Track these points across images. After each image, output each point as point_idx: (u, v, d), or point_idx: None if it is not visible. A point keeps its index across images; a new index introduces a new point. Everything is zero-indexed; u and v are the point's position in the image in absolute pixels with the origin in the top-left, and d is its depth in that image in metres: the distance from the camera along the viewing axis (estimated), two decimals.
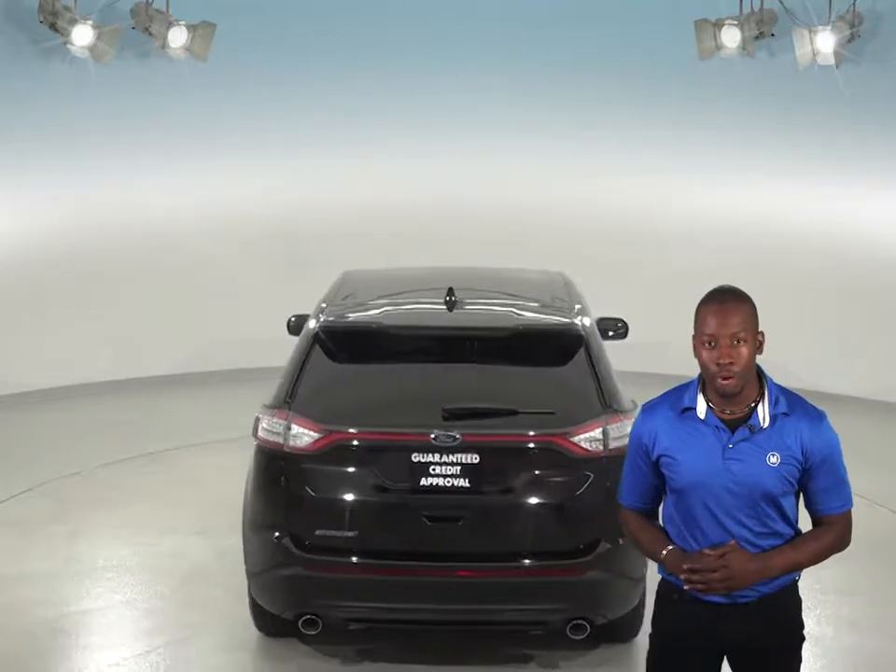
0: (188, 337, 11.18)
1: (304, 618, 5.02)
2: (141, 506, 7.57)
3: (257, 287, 11.20)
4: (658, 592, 3.41)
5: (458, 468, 4.91)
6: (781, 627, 3.28)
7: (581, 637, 5.03)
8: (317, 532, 4.99)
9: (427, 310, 5.77)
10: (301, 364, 5.28)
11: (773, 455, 3.16)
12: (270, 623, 5.33)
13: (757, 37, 10.34)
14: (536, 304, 5.79)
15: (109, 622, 5.93)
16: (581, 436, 4.97)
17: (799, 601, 3.35)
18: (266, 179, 11.47)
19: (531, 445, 5.00)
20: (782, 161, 11.06)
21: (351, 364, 5.44)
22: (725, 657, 3.37)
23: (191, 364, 11.05)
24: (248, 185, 11.45)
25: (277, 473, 5.08)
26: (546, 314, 5.67)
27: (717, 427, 3.19)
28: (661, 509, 3.43)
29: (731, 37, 10.36)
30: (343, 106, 11.54)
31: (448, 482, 4.91)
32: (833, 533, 3.26)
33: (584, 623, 4.98)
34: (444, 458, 4.91)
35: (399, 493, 4.98)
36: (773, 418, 3.18)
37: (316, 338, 5.35)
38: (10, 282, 10.42)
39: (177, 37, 10.41)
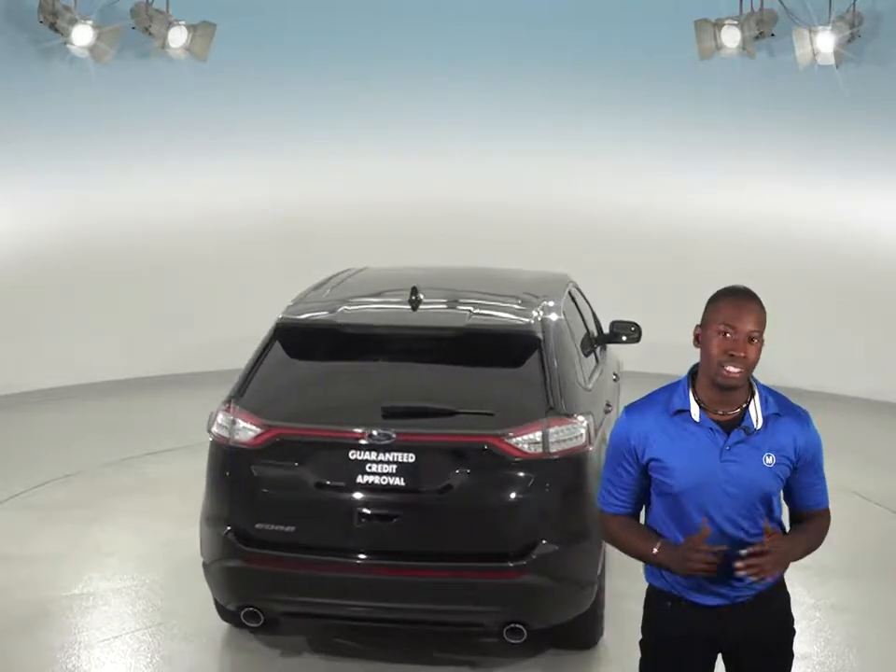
0: (188, 337, 11.19)
1: (245, 610, 5.04)
2: (144, 500, 7.64)
3: (257, 287, 11.19)
4: (647, 599, 3.39)
5: (394, 466, 4.87)
6: (776, 622, 3.31)
7: (517, 641, 4.92)
8: (258, 526, 5.01)
9: (388, 309, 5.80)
10: (255, 360, 5.35)
11: (769, 455, 3.17)
12: (230, 613, 5.32)
13: (757, 37, 10.35)
14: (504, 305, 5.71)
15: (90, 606, 5.99)
16: (519, 438, 4.88)
17: (787, 596, 3.38)
18: (266, 179, 11.48)
19: (467, 446, 4.93)
20: (782, 161, 11.07)
21: (302, 361, 5.44)
22: (721, 656, 3.38)
23: (192, 364, 11.06)
24: (248, 185, 11.46)
25: (224, 467, 5.13)
26: (507, 314, 5.57)
27: (711, 429, 3.18)
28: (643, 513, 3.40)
29: (731, 37, 10.37)
30: (343, 106, 11.55)
31: (384, 480, 4.88)
32: (822, 526, 3.34)
33: (521, 627, 4.88)
34: (380, 457, 4.88)
35: (336, 490, 4.96)
36: (765, 419, 3.19)
37: (273, 335, 5.42)
38: (10, 282, 10.42)
39: (177, 37, 10.42)
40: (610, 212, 11.57)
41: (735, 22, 10.38)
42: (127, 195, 10.99)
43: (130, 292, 11.04)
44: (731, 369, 3.10)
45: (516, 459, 4.87)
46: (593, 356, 6.47)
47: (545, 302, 5.81)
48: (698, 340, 3.20)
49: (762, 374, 3.27)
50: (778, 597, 3.33)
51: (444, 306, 5.73)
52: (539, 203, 11.65)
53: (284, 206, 11.60)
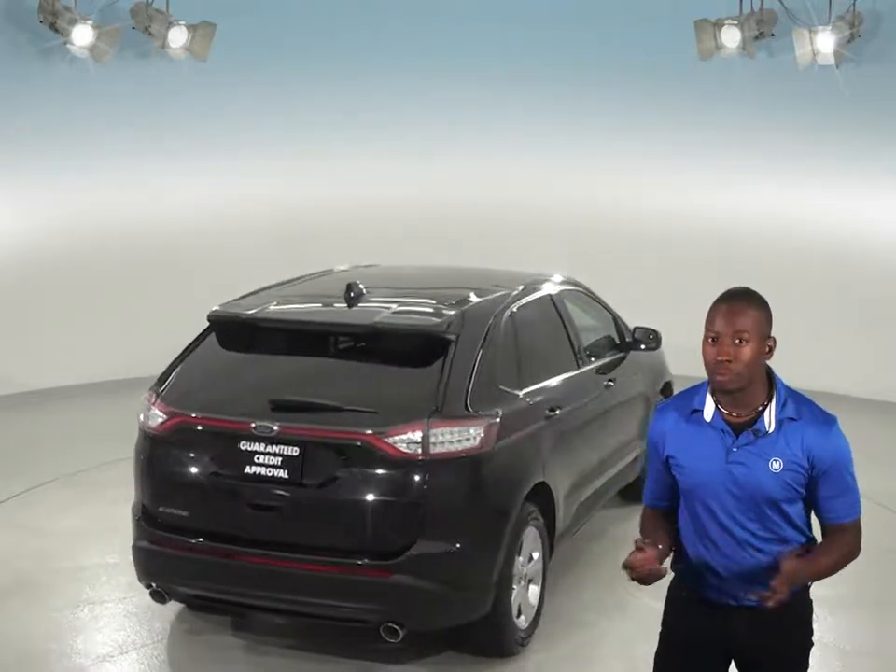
0: (188, 336, 11.14)
1: (151, 589, 5.27)
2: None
3: (258, 287, 11.17)
4: (669, 589, 3.41)
5: (279, 458, 4.96)
6: (789, 631, 3.25)
7: (394, 641, 4.91)
8: (160, 509, 5.21)
9: (310, 307, 5.90)
10: (184, 351, 5.60)
11: (775, 461, 3.12)
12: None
13: (757, 37, 10.36)
14: (434, 304, 5.67)
15: (72, 577, 6.23)
16: (397, 437, 4.85)
17: (809, 606, 3.32)
18: (266, 179, 11.48)
19: (346, 442, 4.93)
20: (782, 161, 11.07)
21: (220, 353, 5.58)
22: (733, 660, 3.36)
23: None
24: (248, 184, 11.47)
25: (139, 451, 5.38)
26: (428, 314, 5.50)
27: (722, 430, 3.17)
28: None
29: (731, 37, 10.38)
30: (343, 106, 11.56)
31: (269, 472, 4.97)
32: (844, 542, 3.20)
33: (396, 627, 4.88)
34: (267, 448, 4.98)
35: (227, 479, 5.07)
36: (779, 423, 3.14)
37: (208, 326, 5.65)
38: (10, 281, 10.43)
39: (177, 37, 10.43)
40: (610, 211, 11.58)
41: (735, 22, 10.39)
42: (127, 195, 10.99)
43: (130, 292, 11.04)
44: (717, 376, 3.10)
45: (394, 458, 4.85)
46: (575, 360, 6.40)
47: (484, 303, 5.78)
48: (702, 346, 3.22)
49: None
50: (794, 606, 3.21)
51: (373, 304, 5.69)
52: (539, 203, 11.65)
53: (284, 206, 11.60)
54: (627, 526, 6.83)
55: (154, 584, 5.24)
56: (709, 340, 3.12)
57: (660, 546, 3.19)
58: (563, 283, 6.86)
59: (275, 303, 5.72)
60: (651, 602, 5.83)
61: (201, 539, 5.07)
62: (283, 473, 4.96)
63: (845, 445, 3.16)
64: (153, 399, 5.35)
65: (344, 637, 5.34)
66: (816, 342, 10.85)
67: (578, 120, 11.55)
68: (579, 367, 6.44)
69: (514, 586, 5.29)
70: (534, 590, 5.55)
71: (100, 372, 10.71)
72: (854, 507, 3.20)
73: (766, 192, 11.17)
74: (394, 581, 4.83)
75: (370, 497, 4.90)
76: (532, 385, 5.73)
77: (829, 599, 6.11)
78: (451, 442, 4.93)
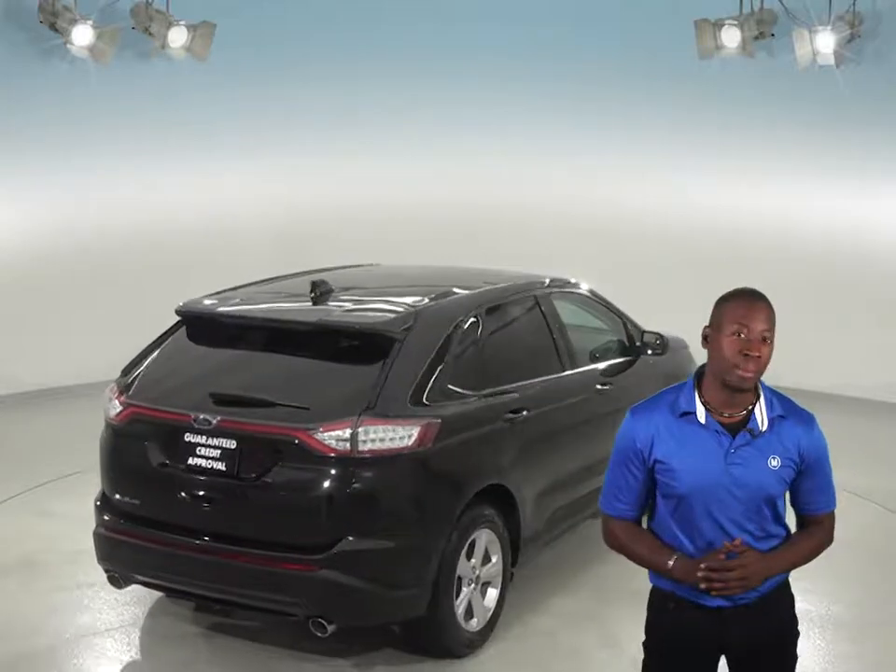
0: None
1: (107, 574, 5.45)
2: None
3: None
4: (651, 601, 3.37)
5: (218, 451, 5.05)
6: (779, 625, 3.29)
7: (322, 635, 4.97)
8: (116, 497, 5.39)
9: (278, 303, 6.00)
10: (153, 342, 5.76)
11: (774, 458, 3.15)
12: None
13: (757, 37, 10.36)
14: (394, 302, 5.71)
15: (65, 559, 6.41)
16: (327, 434, 4.88)
17: (792, 598, 3.35)
18: (266, 179, 11.48)
19: (279, 437, 4.98)
20: (782, 161, 11.07)
21: (182, 346, 5.70)
22: (724, 658, 3.37)
23: None
24: (248, 184, 11.47)
25: (102, 440, 5.55)
26: (381, 312, 5.55)
27: (717, 431, 3.16)
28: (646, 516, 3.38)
29: (731, 37, 10.37)
30: (342, 106, 11.56)
31: (209, 464, 5.06)
32: (823, 531, 3.29)
33: (324, 621, 4.94)
34: (208, 441, 5.08)
35: (172, 469, 5.18)
36: (771, 421, 3.17)
37: (178, 321, 5.78)
38: (9, 281, 10.42)
39: (177, 37, 10.43)
40: (610, 211, 11.58)
41: (735, 22, 10.38)
42: (127, 195, 10.99)
43: (129, 291, 11.03)
44: (746, 369, 3.08)
45: (323, 454, 4.88)
46: (560, 363, 6.32)
47: (449, 303, 5.80)
48: (707, 341, 3.18)
49: (765, 374, 3.26)
50: (781, 599, 3.30)
51: (336, 303, 5.75)
52: (538, 203, 11.65)
53: (284, 206, 11.60)
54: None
55: (110, 569, 5.41)
56: (737, 334, 3.09)
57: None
58: (556, 284, 6.76)
59: (238, 300, 5.87)
60: (615, 612, 5.87)
61: (148, 528, 5.22)
62: (221, 466, 5.05)
63: (825, 440, 3.26)
64: (114, 390, 5.54)
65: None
66: (816, 341, 10.85)
67: (577, 120, 11.54)
68: (564, 370, 6.34)
69: (464, 588, 5.31)
70: (492, 593, 5.54)
71: (102, 371, 10.69)
72: (832, 498, 3.30)
73: (766, 192, 11.17)
74: (320, 576, 4.87)
75: (299, 492, 4.96)
76: (496, 385, 5.69)
77: (828, 599, 6.12)
78: (382, 440, 4.93)
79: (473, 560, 5.37)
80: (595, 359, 6.78)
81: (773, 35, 10.35)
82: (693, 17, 10.50)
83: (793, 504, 3.29)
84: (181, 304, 5.80)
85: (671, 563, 3.18)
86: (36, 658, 5.34)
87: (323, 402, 5.07)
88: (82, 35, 9.93)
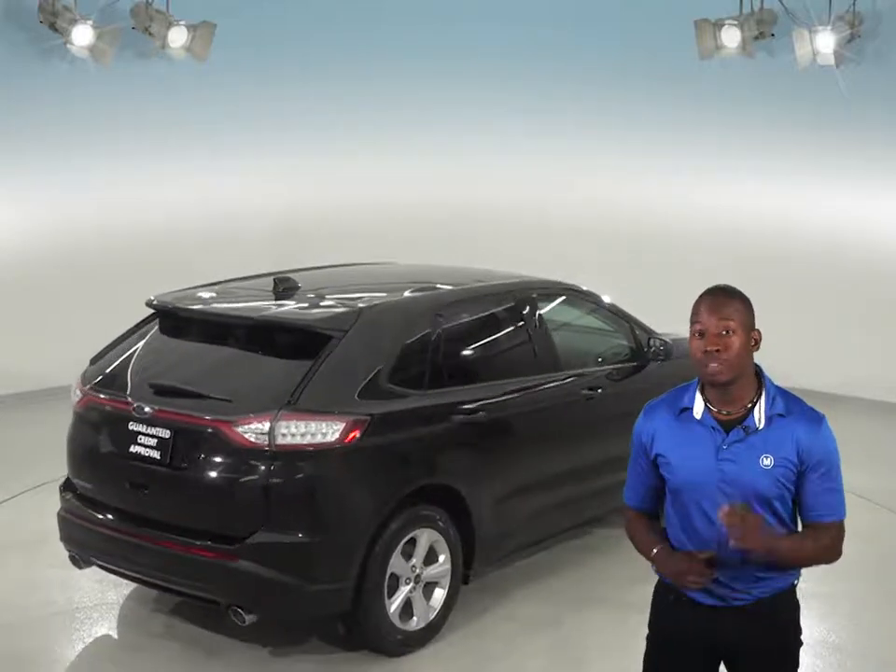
0: None
1: (68, 554, 5.64)
2: None
3: None
4: (655, 592, 3.40)
5: (154, 440, 5.20)
6: (776, 631, 3.25)
7: (241, 624, 5.06)
8: (75, 481, 5.65)
9: (239, 299, 6.11)
10: (124, 333, 5.96)
11: (766, 457, 3.12)
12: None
13: (757, 37, 10.35)
14: (346, 300, 5.84)
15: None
16: (245, 427, 4.96)
17: (796, 605, 3.31)
18: (266, 179, 11.48)
19: (203, 428, 5.09)
20: (782, 161, 11.06)
21: (146, 337, 5.86)
22: (722, 661, 3.36)
23: None
24: (248, 184, 11.46)
25: (69, 427, 5.76)
26: (328, 309, 5.71)
27: (712, 427, 3.17)
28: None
29: (731, 37, 10.37)
30: (342, 106, 11.55)
31: (147, 452, 5.21)
32: (829, 539, 3.17)
33: (241, 611, 5.03)
34: (147, 430, 5.23)
35: (118, 456, 5.36)
36: (769, 419, 3.15)
37: (151, 313, 5.96)
38: (9, 281, 10.42)
39: (177, 37, 10.42)
40: (610, 211, 11.57)
41: (735, 22, 10.38)
42: (127, 194, 10.98)
43: (129, 291, 10.96)
44: (711, 366, 3.10)
45: (242, 447, 4.97)
46: (537, 366, 6.22)
47: (401, 301, 5.88)
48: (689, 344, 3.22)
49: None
50: (781, 605, 3.26)
51: (294, 300, 5.84)
52: (538, 203, 11.65)
53: (284, 205, 11.60)
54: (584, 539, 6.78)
55: (70, 550, 5.61)
56: (696, 334, 3.14)
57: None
58: (546, 287, 6.69)
59: (202, 295, 6.03)
60: (579, 620, 5.85)
61: (97, 512, 5.43)
62: (156, 454, 5.18)
63: (833, 443, 3.17)
64: (78, 379, 5.75)
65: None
66: (817, 341, 10.86)
67: (578, 120, 11.54)
68: (543, 373, 6.24)
69: (401, 587, 5.33)
70: (438, 593, 5.55)
71: None
72: (838, 507, 3.18)
73: (766, 192, 11.17)
74: (234, 566, 4.95)
75: (220, 483, 5.06)
76: (453, 386, 5.67)
77: (828, 598, 6.12)
78: (302, 435, 4.98)
79: (414, 559, 5.38)
80: (591, 364, 6.69)
81: (773, 34, 10.34)
82: (692, 17, 10.50)
83: (799, 511, 3.22)
84: (152, 297, 5.97)
85: (653, 553, 3.24)
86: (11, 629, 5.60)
87: (249, 396, 5.15)
88: (82, 35, 9.93)
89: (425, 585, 5.50)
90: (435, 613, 5.53)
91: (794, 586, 3.30)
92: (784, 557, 3.15)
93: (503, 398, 5.92)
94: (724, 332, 3.10)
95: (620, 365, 6.89)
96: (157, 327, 5.87)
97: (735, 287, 3.23)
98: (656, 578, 3.37)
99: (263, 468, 4.95)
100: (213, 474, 5.06)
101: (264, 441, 4.93)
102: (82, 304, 10.78)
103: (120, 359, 5.76)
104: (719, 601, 3.23)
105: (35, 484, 7.81)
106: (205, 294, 6.09)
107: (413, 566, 5.39)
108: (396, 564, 5.28)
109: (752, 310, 3.19)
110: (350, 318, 5.43)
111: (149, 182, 11.05)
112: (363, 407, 5.17)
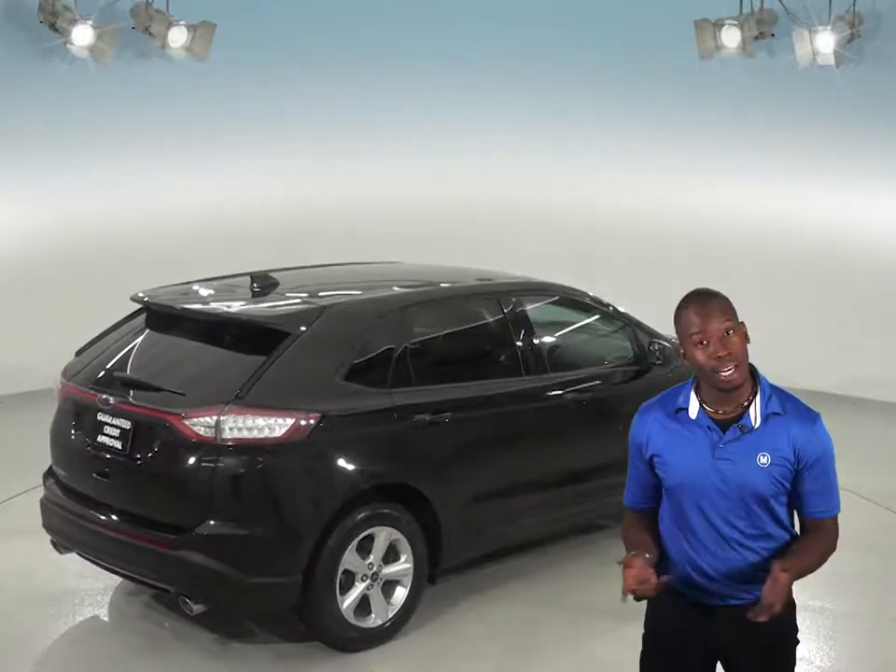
0: None
1: (51, 540, 5.80)
2: None
3: None
4: None
5: (117, 431, 5.35)
6: (773, 629, 3.22)
7: (189, 612, 5.21)
8: (55, 469, 5.83)
9: (216, 296, 6.20)
10: (110, 327, 6.10)
11: (763, 455, 3.12)
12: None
13: (757, 37, 10.35)
14: (310, 299, 5.93)
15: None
16: (195, 420, 5.05)
17: (793, 604, 3.31)
18: (265, 179, 11.47)
19: (157, 421, 5.20)
20: (782, 161, 11.06)
21: (127, 331, 6.00)
22: (719, 660, 3.37)
23: None
24: (248, 184, 11.46)
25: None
26: (290, 307, 5.77)
27: (708, 427, 3.17)
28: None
29: (731, 37, 10.37)
30: (342, 106, 11.55)
31: (111, 442, 5.37)
32: (826, 538, 3.21)
33: (188, 600, 5.16)
34: (112, 420, 5.38)
35: (87, 445, 5.52)
36: (765, 418, 3.15)
37: (138, 308, 6.10)
38: (9, 281, 10.42)
39: (177, 37, 10.42)
40: (610, 212, 11.57)
41: (735, 22, 10.38)
42: (127, 194, 10.98)
43: (128, 291, 10.97)
44: (723, 374, 3.09)
45: (191, 440, 5.06)
46: (520, 367, 6.14)
47: (368, 300, 5.93)
48: (685, 357, 3.19)
49: (767, 375, 3.25)
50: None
51: (268, 298, 5.94)
52: (539, 204, 11.64)
53: (284, 206, 11.59)
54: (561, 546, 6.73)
55: (51, 536, 5.78)
56: (699, 344, 3.11)
57: (647, 556, 3.16)
58: (535, 288, 6.62)
59: (179, 290, 6.18)
60: (548, 625, 5.80)
61: (70, 499, 5.61)
62: (118, 444, 5.33)
63: (828, 441, 3.19)
64: (63, 370, 5.91)
65: None
66: (817, 341, 10.86)
67: (578, 120, 11.54)
68: (524, 375, 6.15)
69: (357, 583, 5.35)
70: (399, 592, 5.55)
71: None
72: (835, 503, 3.22)
73: (766, 192, 11.16)
74: (179, 556, 5.06)
75: (171, 474, 5.17)
76: (416, 385, 5.65)
77: (828, 598, 6.11)
78: (248, 430, 5.05)
79: (371, 557, 5.39)
80: (585, 368, 6.60)
81: (773, 35, 10.34)
82: (693, 17, 10.50)
83: (795, 507, 3.24)
84: (137, 293, 6.11)
85: (626, 557, 3.15)
86: None
87: (201, 390, 5.26)
88: (82, 35, 9.93)
89: (386, 583, 5.50)
90: (395, 612, 5.53)
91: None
92: (800, 576, 3.16)
93: (473, 399, 5.87)
94: (726, 333, 3.10)
95: (617, 369, 6.76)
96: (138, 321, 6.03)
97: (710, 288, 3.22)
98: (617, 587, 3.32)
99: (210, 460, 5.04)
100: (165, 465, 5.19)
101: (211, 434, 5.03)
102: (82, 304, 10.77)
103: (99, 352, 5.91)
104: (718, 601, 3.23)
105: (37, 484, 7.77)
106: (183, 290, 6.23)
107: (371, 563, 5.40)
108: (350, 560, 5.30)
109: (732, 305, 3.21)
110: (310, 316, 5.50)
111: (149, 182, 11.05)
112: (316, 403, 5.22)
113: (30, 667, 5.35)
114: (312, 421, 5.15)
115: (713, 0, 10.52)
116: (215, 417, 5.02)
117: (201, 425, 5.04)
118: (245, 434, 5.04)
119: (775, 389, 3.22)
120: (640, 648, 3.45)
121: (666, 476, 3.23)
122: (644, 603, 3.26)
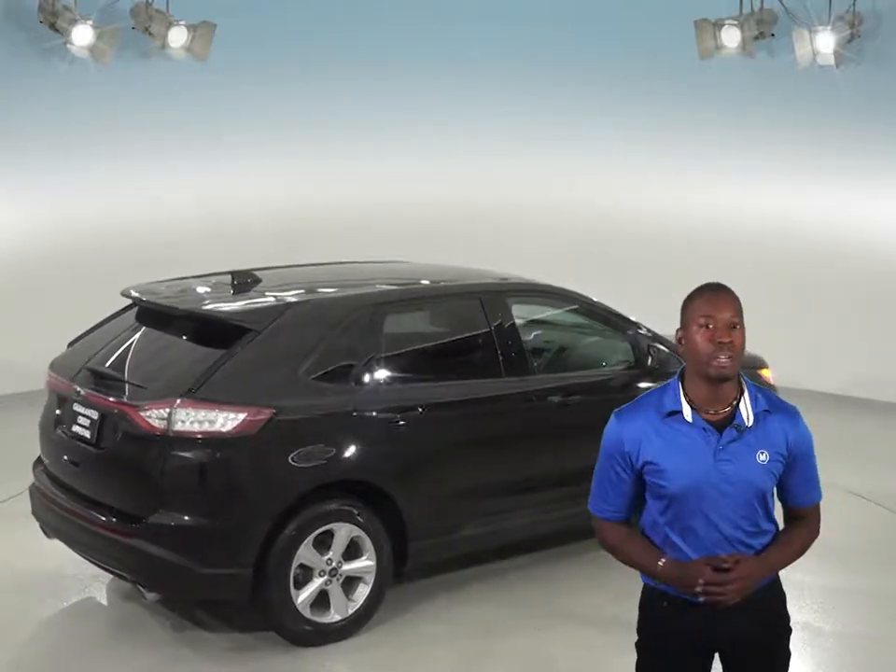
0: None
1: (39, 525, 5.94)
2: None
3: None
4: (643, 600, 3.37)
5: (88, 420, 5.51)
6: (771, 622, 3.29)
7: (143, 600, 5.43)
8: (42, 457, 6.04)
9: (195, 292, 6.35)
10: (100, 322, 6.24)
11: (762, 452, 3.16)
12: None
13: (757, 37, 10.36)
14: (280, 295, 5.98)
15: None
16: (149, 412, 5.16)
17: (783, 595, 3.37)
18: (265, 179, 11.48)
19: (117, 412, 5.35)
20: (782, 161, 11.07)
21: (113, 325, 6.14)
22: (718, 657, 3.36)
23: None
24: (248, 184, 11.46)
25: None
26: (256, 303, 5.87)
27: (704, 429, 3.15)
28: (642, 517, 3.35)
29: (731, 37, 10.38)
30: (342, 106, 11.55)
31: (82, 431, 5.54)
32: (811, 525, 3.33)
33: (141, 587, 5.32)
34: (84, 411, 5.55)
35: (64, 434, 5.71)
36: (756, 416, 3.17)
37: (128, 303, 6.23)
38: (9, 281, 10.43)
39: (177, 37, 10.43)
40: (610, 212, 11.57)
41: (735, 22, 10.39)
42: (126, 194, 10.99)
43: None
44: (721, 357, 3.10)
45: (145, 431, 5.19)
46: (500, 368, 6.04)
47: (336, 298, 5.93)
48: (681, 342, 3.19)
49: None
50: (773, 597, 3.31)
51: (245, 294, 6.05)
52: (538, 204, 11.65)
53: (284, 205, 11.59)
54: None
55: (39, 521, 5.91)
56: (705, 327, 3.12)
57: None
58: (523, 288, 6.54)
59: (162, 286, 6.32)
60: (500, 625, 5.75)
61: (50, 486, 5.78)
62: (87, 434, 5.49)
63: (810, 433, 3.29)
64: (50, 364, 6.08)
65: None
66: (817, 341, 10.86)
67: (578, 120, 11.54)
68: (504, 375, 6.06)
69: (315, 578, 5.36)
70: (361, 589, 5.55)
71: None
72: (818, 490, 3.34)
73: (766, 192, 11.17)
74: (133, 544, 5.19)
75: (128, 464, 5.33)
76: (384, 384, 5.65)
77: (827, 597, 6.11)
78: (199, 423, 5.14)
79: (331, 552, 5.40)
80: (577, 370, 6.53)
81: (773, 35, 10.35)
82: (693, 17, 10.51)
83: (781, 497, 3.31)
84: (127, 288, 6.23)
85: (659, 566, 3.17)
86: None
87: (159, 383, 5.37)
88: (82, 35, 9.94)
89: (347, 580, 5.50)
90: (356, 608, 5.52)
91: (778, 576, 3.34)
92: (781, 567, 3.28)
93: (442, 400, 5.82)
94: (732, 327, 3.12)
95: (612, 371, 6.62)
96: (127, 316, 6.16)
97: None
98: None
99: (161, 452, 5.16)
100: (124, 456, 5.35)
101: (163, 426, 5.13)
102: (82, 304, 10.75)
103: (86, 345, 6.07)
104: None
105: None
106: (167, 286, 6.35)
107: (330, 559, 5.41)
108: (306, 555, 5.32)
109: None
110: (273, 313, 5.58)
111: (149, 182, 11.05)
112: (273, 399, 5.26)
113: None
114: (265, 416, 5.20)
115: (713, 0, 10.53)
116: (167, 410, 5.13)
117: (155, 417, 5.15)
118: (196, 427, 5.13)
119: (756, 387, 3.26)
120: (632, 656, 3.41)
121: (666, 483, 3.17)
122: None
